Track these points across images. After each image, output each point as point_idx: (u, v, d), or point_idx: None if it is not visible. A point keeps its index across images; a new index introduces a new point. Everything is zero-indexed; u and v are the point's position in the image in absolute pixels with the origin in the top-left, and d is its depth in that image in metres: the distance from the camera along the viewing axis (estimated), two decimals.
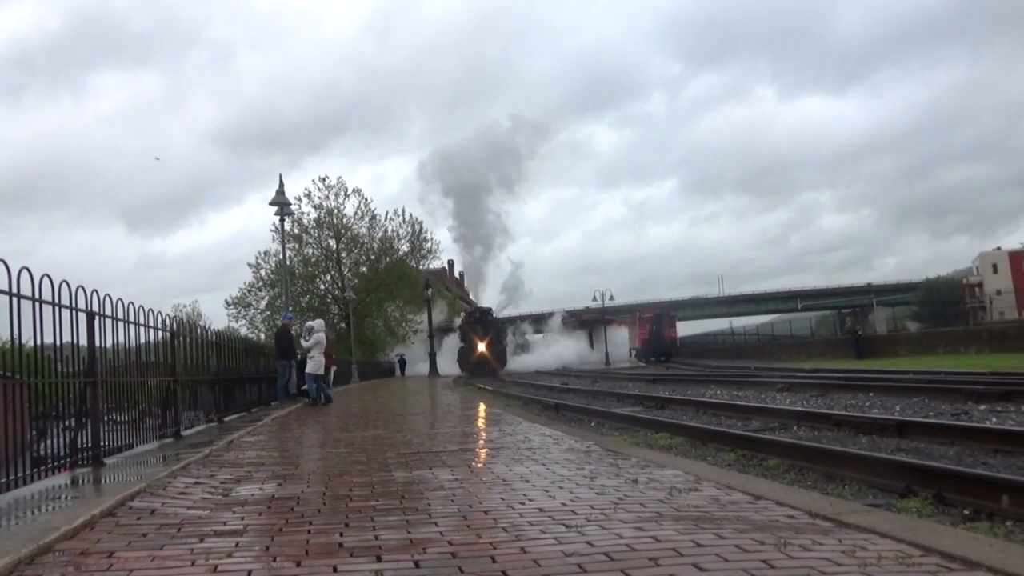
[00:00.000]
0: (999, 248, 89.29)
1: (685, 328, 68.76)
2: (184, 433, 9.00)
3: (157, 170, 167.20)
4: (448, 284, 65.91)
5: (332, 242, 44.76)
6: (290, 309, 22.80)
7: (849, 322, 62.31)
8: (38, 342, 5.39)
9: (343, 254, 44.96)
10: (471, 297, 65.74)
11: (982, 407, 10.83)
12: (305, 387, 15.67)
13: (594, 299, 59.22)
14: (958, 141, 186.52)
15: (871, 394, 13.86)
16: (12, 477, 4.91)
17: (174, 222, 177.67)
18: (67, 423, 6.28)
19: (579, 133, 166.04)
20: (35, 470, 5.34)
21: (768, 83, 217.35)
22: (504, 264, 64.16)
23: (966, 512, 4.77)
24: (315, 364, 15.26)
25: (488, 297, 62.78)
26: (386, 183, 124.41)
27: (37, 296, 5.29)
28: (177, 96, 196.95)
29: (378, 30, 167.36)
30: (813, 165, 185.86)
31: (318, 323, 16.44)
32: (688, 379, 24.63)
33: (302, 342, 15.80)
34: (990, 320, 49.28)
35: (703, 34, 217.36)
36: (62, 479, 5.51)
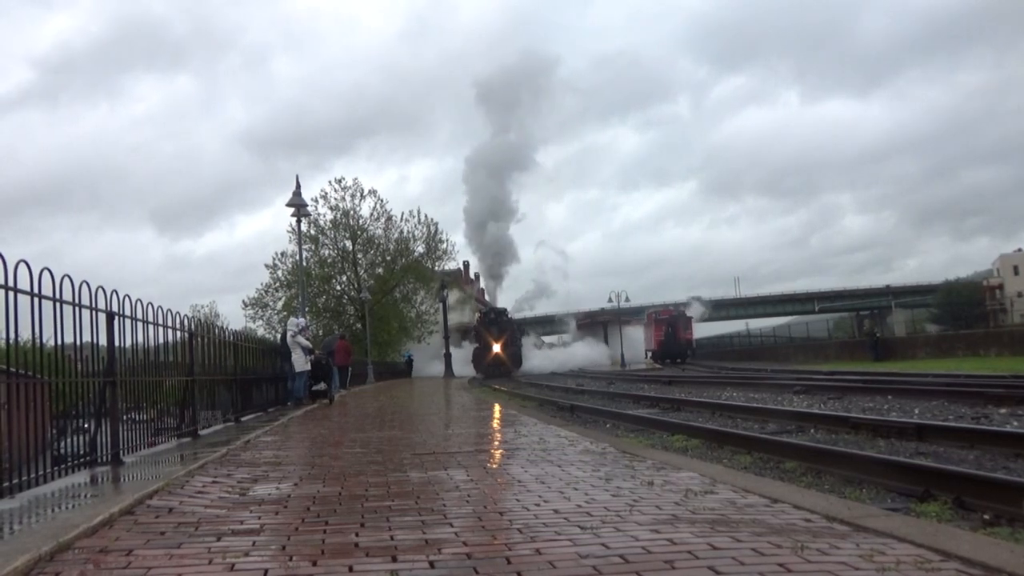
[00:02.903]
0: (1020, 250, 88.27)
1: (701, 330, 68.35)
2: (202, 432, 9.07)
3: (188, 172, 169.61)
4: (463, 285, 65.97)
5: (348, 243, 45.03)
6: (306, 310, 22.91)
7: (867, 324, 61.83)
8: (59, 342, 5.45)
9: (359, 255, 45.21)
10: (486, 296, 65.69)
11: (1003, 411, 10.70)
12: (315, 388, 15.71)
13: (609, 300, 59.05)
14: (981, 143, 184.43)
15: (889, 397, 13.73)
16: (33, 475, 4.97)
17: (202, 224, 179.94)
18: (86, 422, 6.35)
19: (603, 135, 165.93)
20: (55, 468, 5.40)
21: (791, 86, 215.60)
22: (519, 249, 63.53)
23: (986, 517, 4.72)
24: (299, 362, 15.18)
25: (507, 287, 62.57)
26: (409, 184, 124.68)
27: (58, 296, 5.35)
28: (210, 100, 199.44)
29: (412, 35, 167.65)
30: (834, 167, 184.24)
31: (296, 321, 16.20)
32: (704, 381, 24.54)
33: (299, 339, 15.56)
34: (1011, 322, 48.77)
35: (729, 37, 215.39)
36: (82, 477, 5.57)
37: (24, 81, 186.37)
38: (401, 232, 46.07)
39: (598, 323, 68.55)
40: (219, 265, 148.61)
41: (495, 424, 10.26)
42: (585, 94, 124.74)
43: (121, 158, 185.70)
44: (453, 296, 54.68)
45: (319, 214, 43.68)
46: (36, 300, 5.00)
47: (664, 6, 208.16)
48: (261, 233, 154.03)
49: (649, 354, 58.37)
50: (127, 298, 6.77)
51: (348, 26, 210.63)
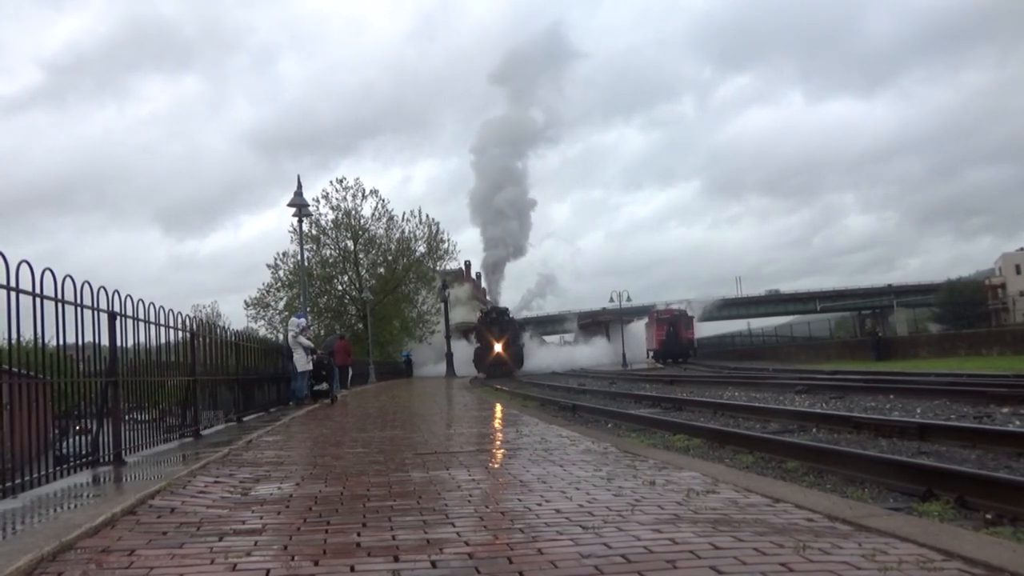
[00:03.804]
0: (1022, 249, 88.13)
1: (703, 329, 68.20)
2: (204, 432, 9.08)
3: (194, 173, 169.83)
4: (466, 284, 65.93)
5: (349, 243, 45.05)
6: (307, 310, 22.92)
7: (869, 323, 61.74)
8: (61, 342, 5.46)
9: (360, 255, 45.23)
10: (488, 295, 65.63)
11: (1005, 410, 10.69)
12: (317, 387, 15.73)
13: (611, 300, 59.04)
14: (985, 142, 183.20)
15: (891, 396, 13.72)
16: (35, 475, 4.97)
17: (208, 224, 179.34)
18: (88, 422, 6.35)
19: (607, 135, 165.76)
20: (57, 468, 5.40)
21: (795, 85, 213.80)
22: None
23: (988, 516, 4.72)
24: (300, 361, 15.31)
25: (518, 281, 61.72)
26: (413, 184, 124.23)
27: (60, 296, 5.36)
28: (217, 100, 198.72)
29: (419, 35, 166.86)
30: (838, 167, 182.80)
31: (297, 321, 16.36)
32: (706, 380, 24.52)
33: (300, 340, 15.56)
34: (1013, 322, 48.59)
35: (734, 37, 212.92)
36: (84, 477, 5.57)
37: (33, 82, 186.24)
38: (402, 232, 46.19)
39: (600, 323, 68.54)
40: (223, 265, 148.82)
41: (497, 424, 10.26)
42: (590, 93, 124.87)
43: (128, 158, 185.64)
44: (463, 291, 54.34)
45: (321, 214, 43.79)
46: (38, 300, 5.00)
47: (669, 6, 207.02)
48: (265, 233, 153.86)
49: (651, 354, 58.34)
50: (129, 298, 6.79)
51: (355, 27, 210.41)
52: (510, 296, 62.46)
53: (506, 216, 57.50)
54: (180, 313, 8.54)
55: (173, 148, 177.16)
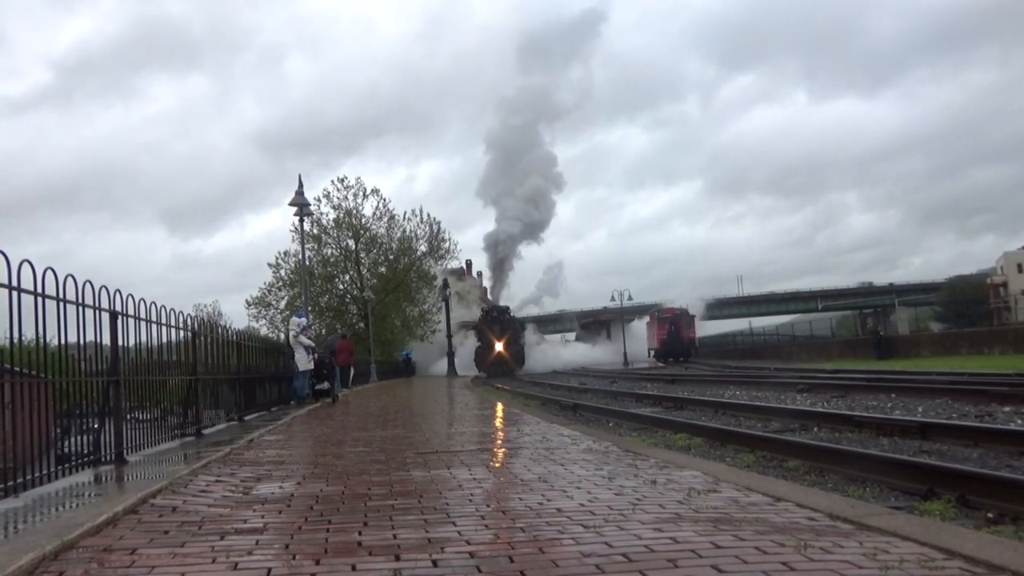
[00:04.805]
0: None
1: (704, 328, 68.17)
2: (205, 431, 9.09)
3: (200, 172, 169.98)
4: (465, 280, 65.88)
5: (351, 242, 45.05)
6: (308, 309, 22.93)
7: (871, 322, 61.66)
8: (62, 341, 5.46)
9: (362, 254, 45.22)
10: (492, 294, 65.59)
11: (1007, 409, 10.68)
12: (318, 387, 15.75)
13: (612, 299, 59.07)
14: (988, 141, 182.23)
15: (893, 395, 13.71)
16: (37, 474, 4.98)
17: (213, 224, 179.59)
18: (90, 421, 6.36)
19: (611, 135, 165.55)
20: (59, 467, 5.41)
21: (799, 85, 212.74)
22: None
23: (990, 515, 4.71)
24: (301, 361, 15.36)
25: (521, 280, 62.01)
26: (417, 184, 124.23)
27: (61, 296, 5.36)
28: (224, 99, 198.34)
29: (425, 36, 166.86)
30: (841, 166, 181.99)
31: (297, 321, 16.43)
32: (707, 380, 24.51)
33: (301, 339, 15.59)
34: (1015, 320, 48.52)
35: (738, 37, 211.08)
36: (85, 476, 5.58)
37: (41, 82, 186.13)
38: (404, 231, 46.21)
39: (601, 322, 68.53)
40: (227, 265, 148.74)
41: (498, 423, 10.26)
42: (594, 92, 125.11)
43: (134, 158, 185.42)
44: (466, 286, 54.15)
45: (322, 213, 43.80)
46: (39, 300, 5.01)
47: (674, 5, 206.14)
48: (269, 232, 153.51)
49: (652, 353, 58.32)
50: (130, 297, 6.80)
51: (362, 27, 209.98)
52: (513, 293, 62.61)
53: (530, 184, 56.32)
54: (181, 312, 8.56)
55: (179, 148, 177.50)
